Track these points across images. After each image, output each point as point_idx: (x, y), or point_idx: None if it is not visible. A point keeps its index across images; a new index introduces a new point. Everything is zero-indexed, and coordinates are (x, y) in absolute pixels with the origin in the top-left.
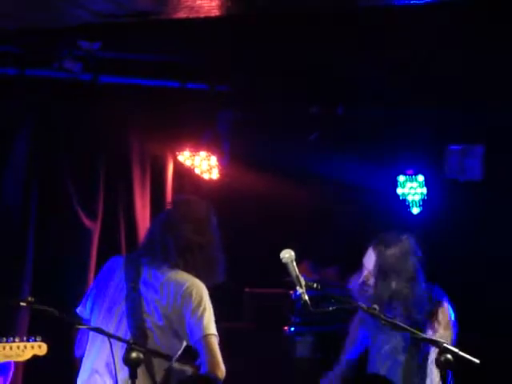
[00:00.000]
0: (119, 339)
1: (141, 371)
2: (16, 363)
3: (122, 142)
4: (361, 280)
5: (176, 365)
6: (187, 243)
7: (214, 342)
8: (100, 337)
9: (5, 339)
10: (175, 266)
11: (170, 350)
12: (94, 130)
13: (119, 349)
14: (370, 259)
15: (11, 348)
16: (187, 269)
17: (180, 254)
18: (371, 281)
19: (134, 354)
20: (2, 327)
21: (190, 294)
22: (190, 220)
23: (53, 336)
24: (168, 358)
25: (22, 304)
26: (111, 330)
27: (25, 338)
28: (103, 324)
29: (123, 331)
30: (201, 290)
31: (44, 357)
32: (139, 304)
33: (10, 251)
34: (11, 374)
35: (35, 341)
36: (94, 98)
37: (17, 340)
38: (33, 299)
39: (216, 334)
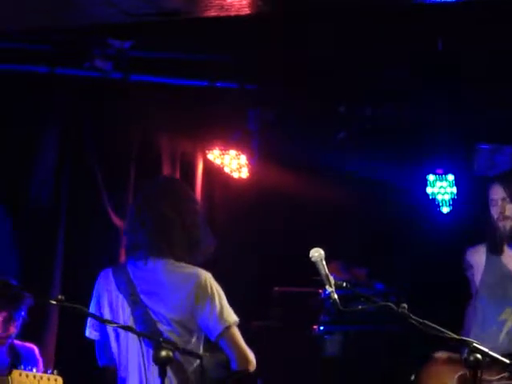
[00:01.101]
0: (149, 337)
1: (172, 369)
2: None
3: (151, 141)
4: (496, 215)
5: (207, 355)
6: (167, 222)
7: (236, 333)
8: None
9: (22, 367)
10: (160, 253)
11: (192, 349)
12: (124, 128)
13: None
14: (498, 191)
15: (27, 376)
16: (173, 251)
17: (161, 235)
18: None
19: (163, 353)
20: (33, 326)
21: (197, 288)
22: (166, 198)
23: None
24: (197, 355)
25: (52, 302)
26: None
27: (43, 370)
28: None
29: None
30: (210, 281)
31: None
32: (146, 313)
33: (39, 250)
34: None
35: (52, 373)
36: (124, 96)
37: (34, 370)
38: (63, 297)
39: (235, 319)
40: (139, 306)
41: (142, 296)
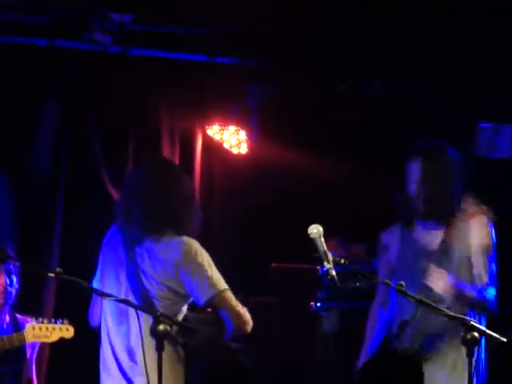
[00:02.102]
0: (146, 311)
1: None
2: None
3: (150, 116)
4: (412, 193)
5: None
6: (158, 201)
7: (229, 295)
8: (119, 308)
9: (34, 319)
10: (152, 229)
11: (177, 315)
12: (123, 103)
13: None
14: (416, 170)
15: (40, 329)
16: (162, 225)
17: (153, 213)
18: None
19: (161, 327)
20: (30, 300)
21: (187, 256)
22: (149, 177)
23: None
24: (192, 330)
25: (50, 275)
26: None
27: (53, 320)
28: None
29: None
30: (195, 247)
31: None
32: (138, 276)
33: (38, 223)
34: (37, 347)
35: (63, 323)
36: (123, 70)
37: (45, 321)
38: (61, 270)
39: (226, 286)
40: (133, 265)
41: (137, 257)
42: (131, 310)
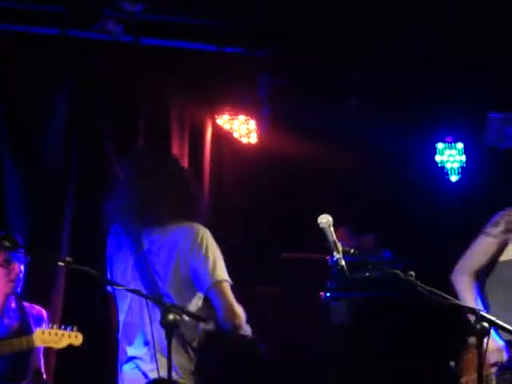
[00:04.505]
0: (156, 301)
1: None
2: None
3: (161, 105)
4: None
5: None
6: (160, 191)
7: (227, 287)
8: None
9: (44, 325)
10: (159, 219)
11: (188, 306)
12: (134, 92)
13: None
14: None
15: (49, 334)
16: (171, 215)
17: (154, 201)
18: None
19: (170, 316)
20: (40, 288)
21: (193, 242)
22: (148, 168)
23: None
24: (201, 319)
25: (60, 264)
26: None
27: (62, 327)
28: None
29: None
30: (204, 235)
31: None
32: (147, 271)
33: (49, 213)
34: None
35: (72, 330)
36: (134, 60)
37: (55, 327)
38: (71, 259)
39: (228, 279)
40: (142, 257)
41: (145, 249)
42: (141, 305)
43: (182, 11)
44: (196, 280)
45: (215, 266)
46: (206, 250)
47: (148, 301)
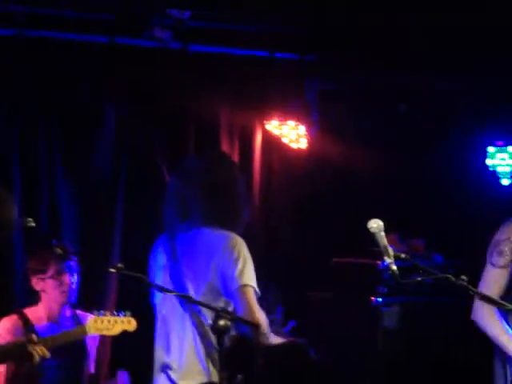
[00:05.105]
0: (206, 306)
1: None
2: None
3: (210, 111)
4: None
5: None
6: (205, 194)
7: (251, 292)
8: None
9: (96, 312)
10: (200, 222)
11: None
12: (183, 99)
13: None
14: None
15: (102, 322)
16: (212, 221)
17: (202, 206)
18: None
19: (221, 322)
20: (92, 296)
21: (226, 247)
22: (209, 171)
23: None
24: (252, 324)
25: (111, 270)
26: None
27: (115, 313)
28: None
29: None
30: (238, 243)
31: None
32: (181, 278)
33: (99, 224)
34: (98, 342)
35: (125, 315)
36: (183, 67)
37: (107, 314)
38: (122, 266)
39: (255, 286)
40: (177, 265)
41: (180, 258)
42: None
43: (230, 17)
44: (222, 284)
45: (243, 271)
46: (238, 256)
47: (187, 307)
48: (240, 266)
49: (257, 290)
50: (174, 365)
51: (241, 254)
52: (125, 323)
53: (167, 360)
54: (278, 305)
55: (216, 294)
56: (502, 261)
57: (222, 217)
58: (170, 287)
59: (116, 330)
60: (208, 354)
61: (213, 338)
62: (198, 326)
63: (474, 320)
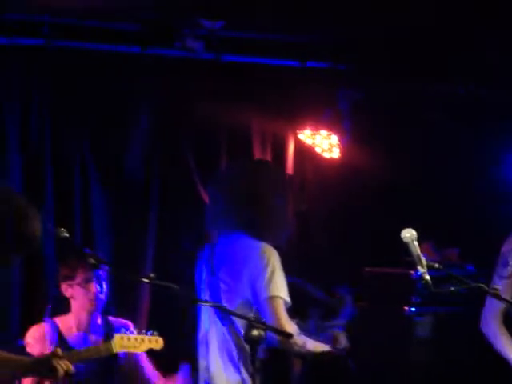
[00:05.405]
0: (240, 317)
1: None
2: None
3: (242, 121)
4: None
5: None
6: (243, 201)
7: (280, 304)
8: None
9: (124, 330)
10: (235, 231)
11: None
12: (215, 107)
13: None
14: None
15: (129, 339)
16: (250, 230)
17: (241, 213)
18: None
19: (255, 332)
20: (125, 304)
21: (255, 257)
22: (248, 178)
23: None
24: (285, 334)
25: (143, 280)
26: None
27: (143, 331)
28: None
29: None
30: (265, 250)
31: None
32: (218, 291)
33: (132, 226)
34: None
35: (152, 335)
36: (215, 77)
37: (135, 332)
38: (154, 275)
39: (283, 297)
40: (214, 279)
41: (217, 271)
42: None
43: (262, 27)
44: (252, 295)
45: (271, 281)
46: (266, 264)
47: (226, 321)
48: (268, 274)
49: (287, 299)
50: (215, 379)
51: (269, 263)
52: (152, 342)
53: (207, 375)
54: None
55: (248, 307)
56: (507, 271)
57: (257, 227)
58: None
59: (142, 348)
60: (246, 368)
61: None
62: (235, 338)
63: (482, 330)
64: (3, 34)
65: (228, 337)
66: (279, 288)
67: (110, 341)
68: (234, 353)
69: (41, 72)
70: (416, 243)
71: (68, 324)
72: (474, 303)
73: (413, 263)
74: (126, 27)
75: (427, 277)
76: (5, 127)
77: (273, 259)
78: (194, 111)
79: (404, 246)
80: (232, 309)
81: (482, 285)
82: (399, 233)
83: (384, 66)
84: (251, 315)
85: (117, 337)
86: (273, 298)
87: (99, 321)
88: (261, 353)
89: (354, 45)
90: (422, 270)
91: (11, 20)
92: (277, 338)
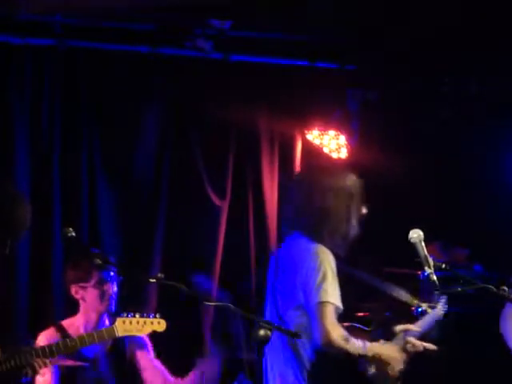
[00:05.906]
0: (249, 318)
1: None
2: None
3: (251, 121)
4: None
5: None
6: (314, 209)
7: (328, 310)
8: None
9: (125, 314)
10: (301, 233)
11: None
12: (224, 108)
13: None
14: None
15: (131, 323)
16: (307, 233)
17: (305, 218)
18: None
19: (261, 332)
20: (132, 304)
21: (308, 258)
22: (318, 188)
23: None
24: (294, 334)
25: (151, 280)
26: None
27: (145, 314)
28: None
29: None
30: (318, 252)
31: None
32: (276, 294)
33: (140, 226)
34: (149, 348)
35: (155, 317)
36: (224, 76)
37: (137, 315)
38: (162, 275)
39: (333, 302)
40: (276, 282)
41: (280, 273)
42: None
43: (271, 27)
44: (304, 298)
45: (321, 285)
46: (318, 267)
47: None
48: (319, 278)
49: (338, 305)
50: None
51: (321, 266)
52: (154, 324)
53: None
54: None
55: (301, 310)
56: None
57: (315, 230)
58: (271, 304)
59: (145, 330)
60: (303, 377)
61: (306, 359)
62: (291, 347)
63: (500, 330)
64: (16, 34)
65: (287, 347)
66: (329, 293)
67: (113, 325)
68: (290, 364)
69: (52, 72)
70: (423, 244)
71: (75, 325)
72: (484, 304)
73: (420, 263)
74: (137, 27)
75: (434, 277)
76: (13, 128)
77: (325, 262)
78: (203, 111)
79: (411, 247)
80: (286, 311)
81: (490, 285)
82: (407, 233)
83: (394, 65)
84: (304, 318)
85: (119, 320)
86: (322, 303)
87: (107, 322)
88: (312, 356)
89: (362, 45)
90: (429, 270)
91: (23, 20)
92: (320, 341)
